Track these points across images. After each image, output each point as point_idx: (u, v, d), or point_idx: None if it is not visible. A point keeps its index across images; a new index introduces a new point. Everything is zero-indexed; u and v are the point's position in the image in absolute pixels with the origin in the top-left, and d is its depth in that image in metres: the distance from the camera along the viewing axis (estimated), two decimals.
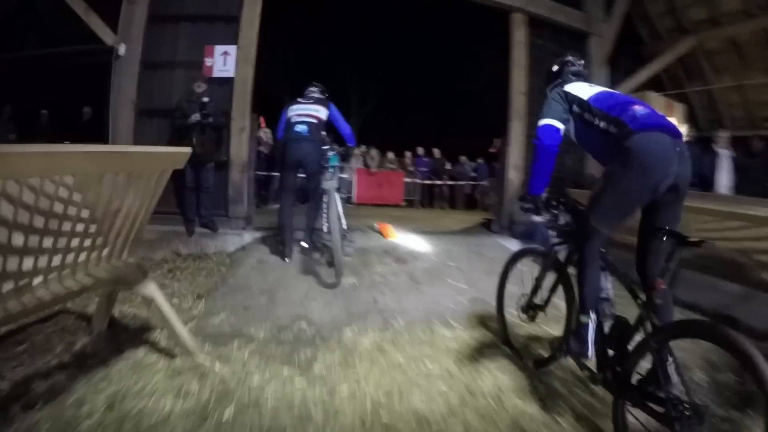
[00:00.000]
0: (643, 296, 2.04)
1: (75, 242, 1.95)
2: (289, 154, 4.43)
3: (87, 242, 2.03)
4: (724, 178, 6.71)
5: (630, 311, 2.12)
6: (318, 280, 4.10)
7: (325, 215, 4.29)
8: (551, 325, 3.04)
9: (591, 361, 2.21)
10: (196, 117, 5.03)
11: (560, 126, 2.30)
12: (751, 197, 5.57)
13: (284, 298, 3.67)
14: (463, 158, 13.33)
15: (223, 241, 5.04)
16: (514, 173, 6.58)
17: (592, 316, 2.17)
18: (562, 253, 2.61)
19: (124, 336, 2.78)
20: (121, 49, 5.77)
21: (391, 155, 12.66)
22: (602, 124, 2.16)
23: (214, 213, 5.50)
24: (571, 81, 2.48)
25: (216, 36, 5.93)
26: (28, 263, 1.74)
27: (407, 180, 12.25)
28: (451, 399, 2.31)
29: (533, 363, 2.69)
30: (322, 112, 4.58)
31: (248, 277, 4.08)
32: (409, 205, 12.03)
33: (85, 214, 1.94)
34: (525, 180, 6.28)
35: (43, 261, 1.81)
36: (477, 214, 9.83)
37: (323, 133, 4.60)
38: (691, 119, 8.42)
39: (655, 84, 8.24)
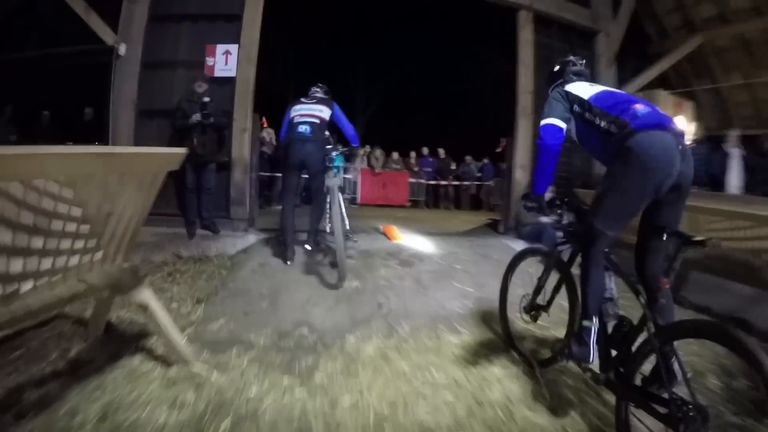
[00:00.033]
0: (645, 296, 2.02)
1: (66, 244, 1.87)
2: (292, 154, 4.37)
3: (79, 244, 1.95)
4: (735, 178, 6.59)
5: (633, 311, 2.10)
6: (321, 284, 4.02)
7: (328, 216, 4.21)
8: (554, 326, 3.01)
9: (594, 363, 2.17)
10: (196, 117, 4.96)
11: (562, 125, 2.29)
12: (762, 197, 5.48)
13: (286, 303, 3.58)
14: (468, 158, 13.22)
15: (224, 243, 4.96)
16: (521, 173, 6.49)
17: (595, 320, 2.13)
18: (565, 253, 2.57)
19: (120, 342, 2.71)
20: (122, 49, 5.72)
21: (395, 155, 12.57)
22: (603, 124, 2.13)
23: (215, 215, 5.43)
24: (572, 81, 2.46)
25: (218, 35, 5.87)
26: (16, 266, 1.66)
27: (412, 180, 12.15)
28: (458, 410, 2.22)
29: (535, 363, 2.65)
30: (324, 112, 4.51)
31: (249, 280, 4.00)
32: (414, 206, 11.93)
33: (76, 212, 1.86)
34: (532, 180, 6.19)
35: (32, 264, 1.73)
36: (483, 215, 9.76)
37: (326, 133, 4.55)
38: (699, 118, 8.31)
39: (662, 82, 8.13)
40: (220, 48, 5.80)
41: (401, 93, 18.23)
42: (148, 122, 5.77)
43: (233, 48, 5.78)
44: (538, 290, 2.69)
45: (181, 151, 2.26)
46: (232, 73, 5.77)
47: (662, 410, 1.76)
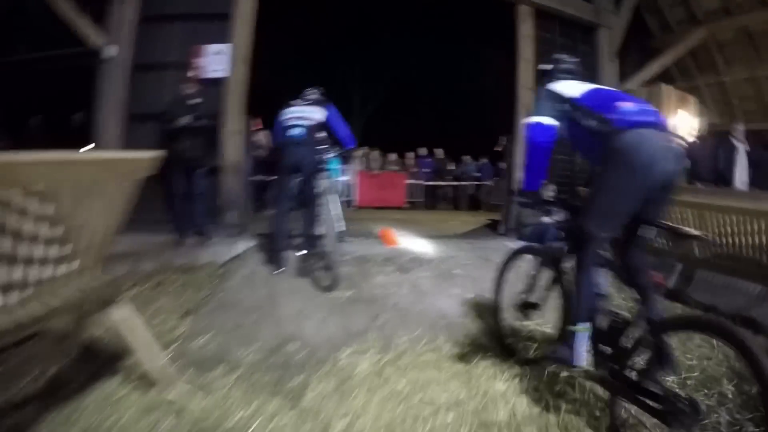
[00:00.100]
0: (635, 292, 2.04)
1: (38, 252, 1.72)
2: (285, 157, 4.25)
3: (52, 252, 1.79)
4: (741, 173, 6.42)
5: (624, 307, 2.10)
6: (314, 293, 3.86)
7: (321, 219, 4.13)
8: (546, 325, 3.02)
9: (588, 359, 2.16)
10: (185, 120, 4.80)
11: (552, 122, 2.26)
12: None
13: (276, 315, 3.41)
14: (466, 158, 13.05)
15: (216, 250, 4.78)
16: (522, 172, 6.31)
17: (586, 324, 2.10)
18: (559, 252, 2.53)
19: (100, 361, 2.54)
20: (112, 51, 5.57)
21: (393, 156, 12.38)
22: (589, 123, 2.11)
23: (206, 220, 5.26)
24: (561, 79, 2.42)
25: (209, 35, 5.73)
26: None
27: (410, 181, 11.97)
28: None
29: (524, 362, 2.69)
30: (318, 114, 4.37)
31: (240, 290, 3.83)
32: (412, 207, 11.75)
33: (49, 210, 1.71)
34: (523, 176, 6.09)
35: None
36: (482, 215, 9.58)
37: (321, 135, 4.42)
38: (703, 113, 8.16)
39: (665, 77, 7.99)
40: (212, 48, 5.66)
41: (399, 92, 18.08)
42: (140, 126, 5.61)
43: (225, 48, 5.63)
44: (530, 288, 2.69)
45: (154, 155, 2.10)
46: (225, 74, 5.62)
47: (655, 405, 1.78)
